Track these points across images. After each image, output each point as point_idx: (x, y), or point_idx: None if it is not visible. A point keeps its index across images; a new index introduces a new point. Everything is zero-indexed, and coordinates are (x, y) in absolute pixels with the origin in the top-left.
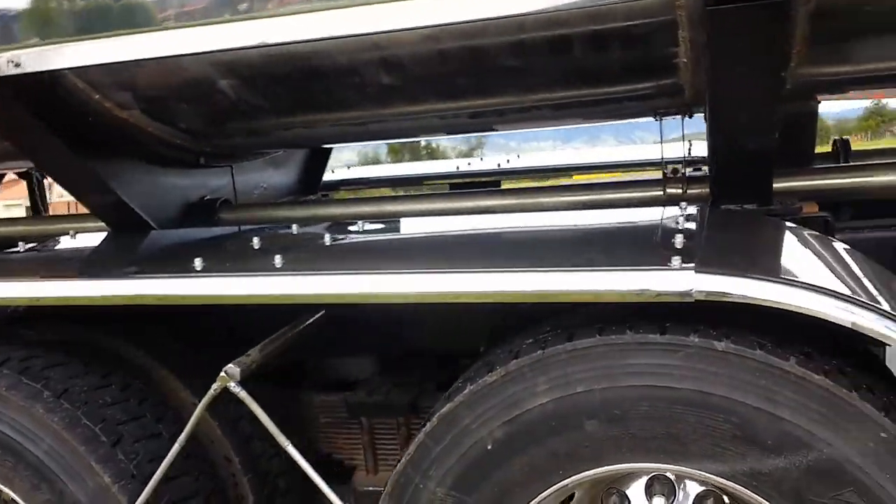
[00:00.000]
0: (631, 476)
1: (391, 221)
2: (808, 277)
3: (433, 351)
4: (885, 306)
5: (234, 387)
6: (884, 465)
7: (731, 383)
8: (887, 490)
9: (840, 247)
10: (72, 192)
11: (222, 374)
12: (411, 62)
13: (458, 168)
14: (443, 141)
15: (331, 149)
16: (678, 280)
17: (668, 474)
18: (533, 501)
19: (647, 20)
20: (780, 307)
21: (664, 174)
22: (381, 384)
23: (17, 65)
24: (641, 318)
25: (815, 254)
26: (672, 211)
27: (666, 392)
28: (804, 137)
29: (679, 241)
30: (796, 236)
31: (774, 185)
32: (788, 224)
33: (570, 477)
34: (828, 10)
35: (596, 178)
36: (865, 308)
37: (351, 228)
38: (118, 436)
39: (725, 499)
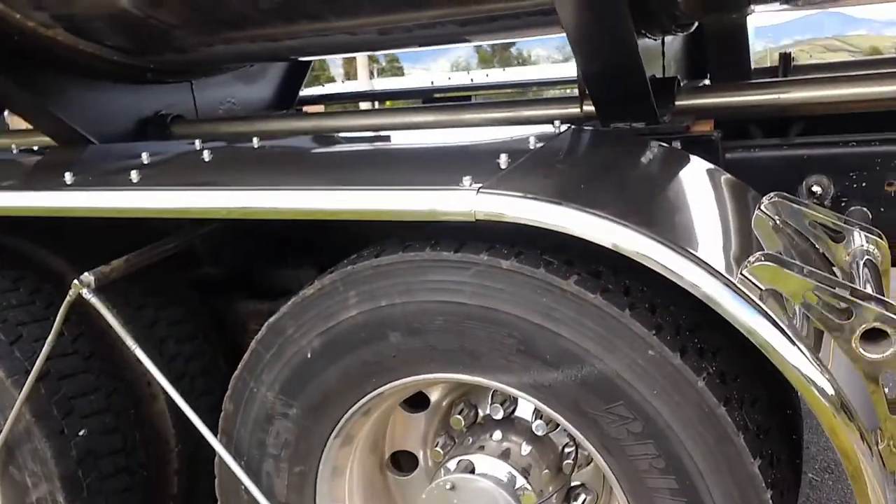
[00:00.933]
0: (481, 388)
1: (285, 139)
2: (598, 200)
3: None
4: (674, 232)
5: (86, 293)
6: (650, 382)
7: (514, 300)
8: (654, 405)
9: (694, 169)
10: (12, 111)
11: (76, 281)
12: None
13: (432, 83)
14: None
15: (308, 63)
16: (461, 200)
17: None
18: (353, 408)
19: None
20: (549, 228)
21: (581, 91)
22: None
23: None
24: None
25: (644, 175)
26: (540, 130)
27: (458, 307)
28: (737, 52)
29: (503, 160)
30: (646, 157)
31: (681, 103)
32: (653, 144)
33: (383, 386)
34: None
35: None
36: (628, 228)
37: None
38: (17, 335)
39: None
